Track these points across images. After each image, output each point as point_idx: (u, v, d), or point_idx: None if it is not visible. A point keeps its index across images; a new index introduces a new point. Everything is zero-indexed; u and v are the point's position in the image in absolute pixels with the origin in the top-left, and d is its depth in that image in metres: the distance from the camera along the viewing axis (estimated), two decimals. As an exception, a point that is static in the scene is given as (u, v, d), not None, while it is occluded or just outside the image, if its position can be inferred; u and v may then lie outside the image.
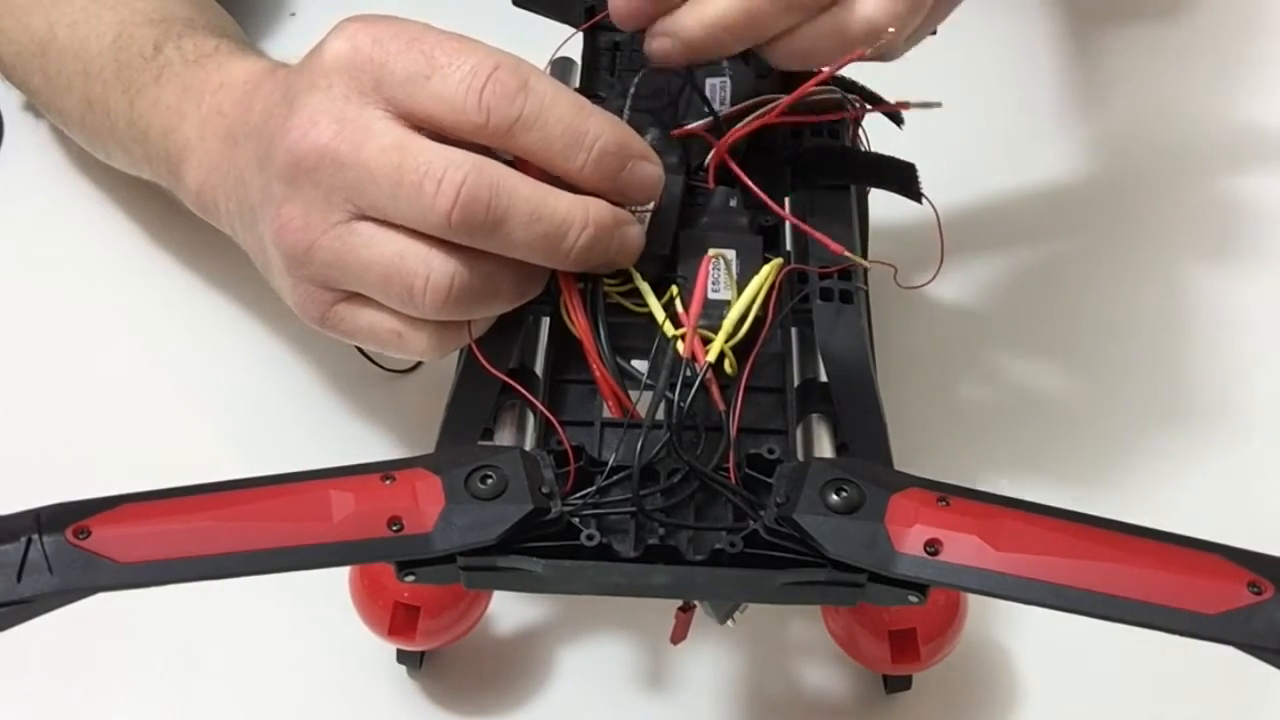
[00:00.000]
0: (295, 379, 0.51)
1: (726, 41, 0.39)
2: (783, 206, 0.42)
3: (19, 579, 0.31)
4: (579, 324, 0.38)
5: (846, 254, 0.38)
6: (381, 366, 0.50)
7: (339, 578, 0.41)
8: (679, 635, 0.40)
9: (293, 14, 0.62)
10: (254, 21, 0.61)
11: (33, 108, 0.58)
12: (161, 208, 0.52)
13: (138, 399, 0.51)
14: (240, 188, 0.41)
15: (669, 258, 0.40)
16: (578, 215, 0.37)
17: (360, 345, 0.40)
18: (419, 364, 0.50)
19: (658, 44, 0.40)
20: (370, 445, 0.49)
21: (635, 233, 0.38)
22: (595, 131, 0.37)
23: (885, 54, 0.40)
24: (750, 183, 0.40)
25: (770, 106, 0.40)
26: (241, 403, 0.51)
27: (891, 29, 0.38)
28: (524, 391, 0.38)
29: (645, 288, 0.39)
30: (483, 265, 0.36)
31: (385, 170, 0.36)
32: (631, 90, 0.42)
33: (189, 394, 0.51)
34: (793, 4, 0.38)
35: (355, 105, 0.37)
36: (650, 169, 0.38)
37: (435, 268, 0.36)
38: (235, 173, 0.41)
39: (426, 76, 0.36)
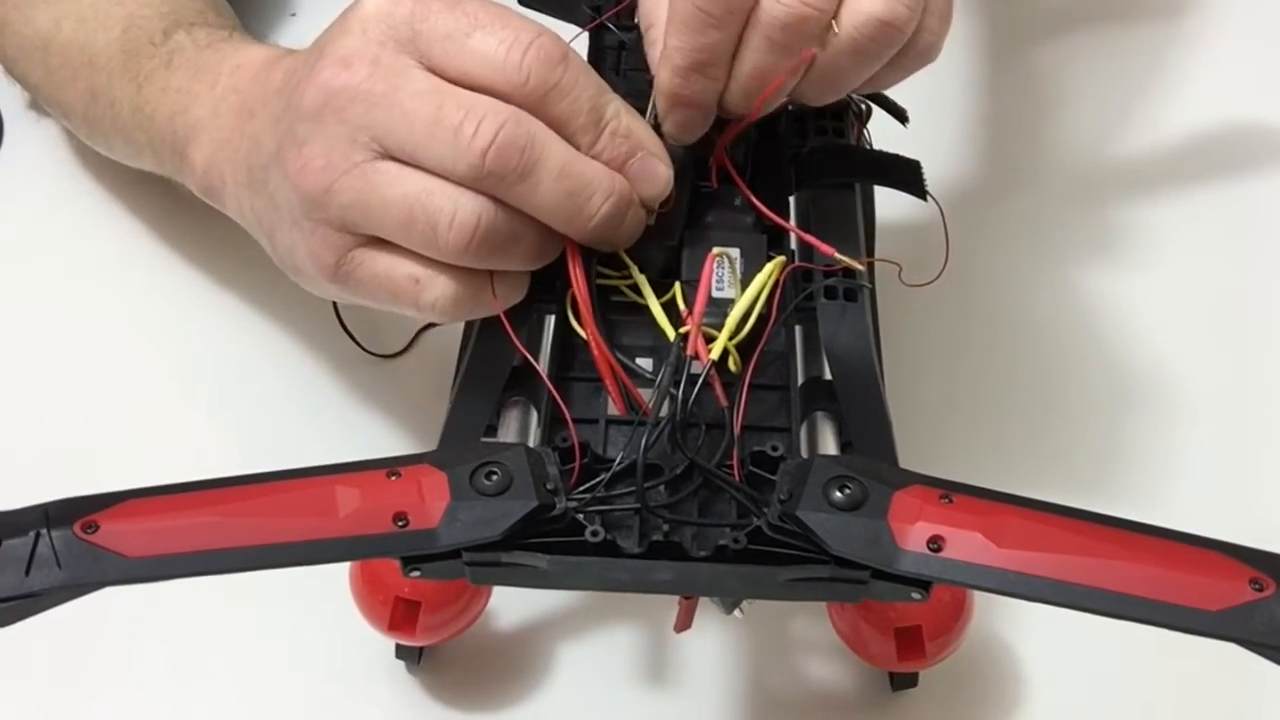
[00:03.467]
0: (295, 373, 0.51)
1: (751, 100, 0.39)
2: (787, 205, 0.42)
3: (27, 573, 0.31)
4: (580, 295, 0.37)
5: (836, 255, 0.38)
6: (368, 351, 0.50)
7: (338, 573, 0.41)
8: (682, 624, 0.40)
9: (293, 14, 0.62)
10: (255, 21, 0.61)
11: (35, 106, 0.58)
12: (162, 205, 0.53)
13: (139, 396, 0.51)
14: (253, 152, 0.41)
15: (675, 248, 0.40)
16: (604, 182, 0.37)
17: (373, 301, 0.39)
18: (406, 348, 0.51)
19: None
20: (372, 437, 0.49)
21: (640, 215, 0.39)
22: (613, 112, 0.37)
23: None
24: (743, 184, 0.40)
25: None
26: (243, 396, 0.51)
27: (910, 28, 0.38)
28: (541, 371, 0.37)
29: (643, 281, 0.39)
30: (508, 209, 0.37)
31: (424, 112, 0.36)
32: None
33: (191, 389, 0.51)
34: (798, 37, 0.37)
35: (390, 52, 0.37)
36: (659, 166, 0.38)
37: (463, 205, 0.36)
38: (247, 141, 0.41)
39: (467, 34, 0.36)
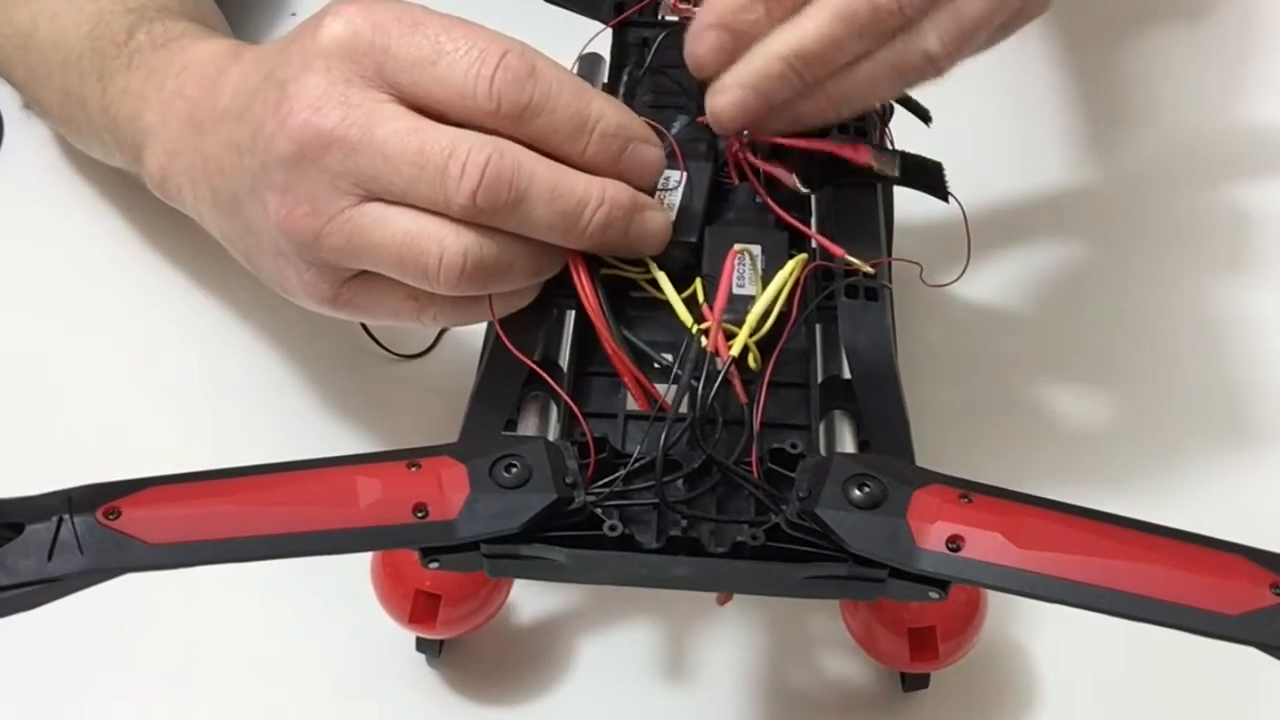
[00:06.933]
0: (304, 370, 0.51)
1: (798, 77, 0.38)
2: (808, 204, 0.42)
3: (50, 558, 0.31)
4: (589, 304, 0.38)
5: (846, 257, 0.38)
6: (391, 352, 0.50)
7: (358, 565, 0.41)
8: (725, 596, 0.40)
9: (293, 14, 0.62)
10: (254, 21, 0.60)
11: (28, 106, 0.57)
12: (161, 205, 0.53)
13: (141, 396, 0.51)
14: (214, 175, 0.41)
15: (696, 246, 0.40)
16: (594, 193, 0.37)
17: (373, 320, 0.40)
18: (430, 348, 0.50)
19: (722, 100, 0.39)
20: (396, 437, 0.49)
21: (658, 219, 0.38)
22: (597, 114, 0.37)
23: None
24: (758, 184, 0.40)
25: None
26: (250, 395, 0.51)
27: (945, 66, 0.38)
28: (547, 378, 0.38)
29: (662, 277, 0.39)
30: (496, 240, 0.36)
31: (406, 154, 0.35)
32: (648, 59, 0.43)
33: (194, 390, 0.51)
34: (866, 29, 0.37)
35: (358, 89, 0.36)
36: (650, 151, 0.38)
37: (449, 245, 0.36)
38: (204, 159, 0.41)
39: (433, 62, 0.36)
